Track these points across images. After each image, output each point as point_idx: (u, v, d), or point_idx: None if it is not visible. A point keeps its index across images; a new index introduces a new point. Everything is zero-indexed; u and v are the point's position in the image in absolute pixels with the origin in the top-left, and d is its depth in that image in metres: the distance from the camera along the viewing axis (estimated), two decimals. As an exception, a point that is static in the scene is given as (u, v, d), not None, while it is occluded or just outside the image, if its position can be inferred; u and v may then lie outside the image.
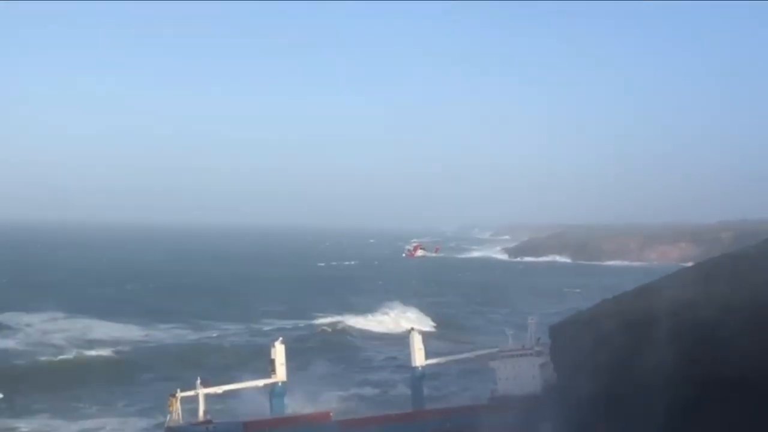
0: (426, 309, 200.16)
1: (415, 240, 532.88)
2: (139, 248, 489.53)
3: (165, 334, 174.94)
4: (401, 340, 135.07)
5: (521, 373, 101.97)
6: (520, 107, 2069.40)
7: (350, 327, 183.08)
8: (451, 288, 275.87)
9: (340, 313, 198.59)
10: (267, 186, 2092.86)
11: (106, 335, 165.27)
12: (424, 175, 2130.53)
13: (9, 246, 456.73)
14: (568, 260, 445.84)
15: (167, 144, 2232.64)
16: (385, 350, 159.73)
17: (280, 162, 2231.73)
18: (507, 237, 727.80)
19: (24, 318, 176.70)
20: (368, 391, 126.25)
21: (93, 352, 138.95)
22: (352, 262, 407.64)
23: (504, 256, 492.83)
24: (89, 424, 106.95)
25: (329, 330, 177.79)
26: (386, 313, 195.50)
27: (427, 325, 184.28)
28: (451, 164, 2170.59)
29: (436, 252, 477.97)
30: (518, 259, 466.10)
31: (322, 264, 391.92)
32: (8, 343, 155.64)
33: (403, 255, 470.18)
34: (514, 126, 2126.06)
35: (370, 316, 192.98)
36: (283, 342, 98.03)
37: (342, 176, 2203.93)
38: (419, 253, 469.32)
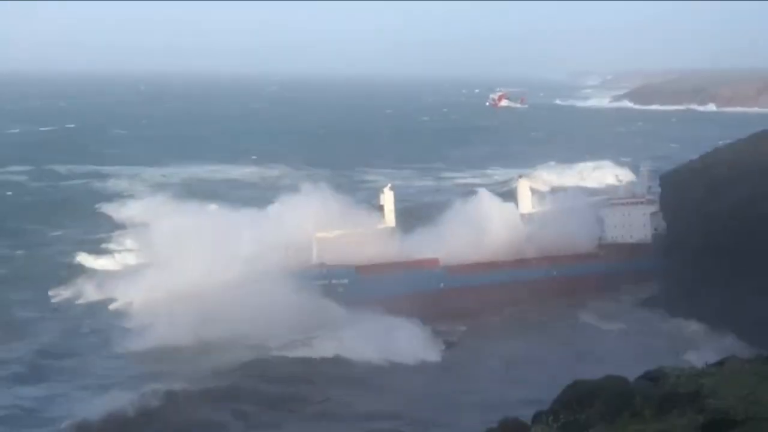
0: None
1: (500, 89, 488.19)
2: (247, 99, 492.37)
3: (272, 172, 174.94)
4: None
5: (631, 222, 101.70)
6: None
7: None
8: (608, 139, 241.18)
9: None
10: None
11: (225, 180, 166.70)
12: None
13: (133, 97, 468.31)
14: (714, 108, 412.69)
15: None
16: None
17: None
18: (621, 84, 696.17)
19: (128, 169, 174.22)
20: None
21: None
22: (451, 114, 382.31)
23: (622, 104, 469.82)
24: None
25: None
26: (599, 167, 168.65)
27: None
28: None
29: (521, 103, 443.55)
30: (645, 107, 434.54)
31: (426, 118, 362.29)
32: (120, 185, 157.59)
33: (487, 104, 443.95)
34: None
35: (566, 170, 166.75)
36: (392, 188, 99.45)
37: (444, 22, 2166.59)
38: (503, 102, 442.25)
